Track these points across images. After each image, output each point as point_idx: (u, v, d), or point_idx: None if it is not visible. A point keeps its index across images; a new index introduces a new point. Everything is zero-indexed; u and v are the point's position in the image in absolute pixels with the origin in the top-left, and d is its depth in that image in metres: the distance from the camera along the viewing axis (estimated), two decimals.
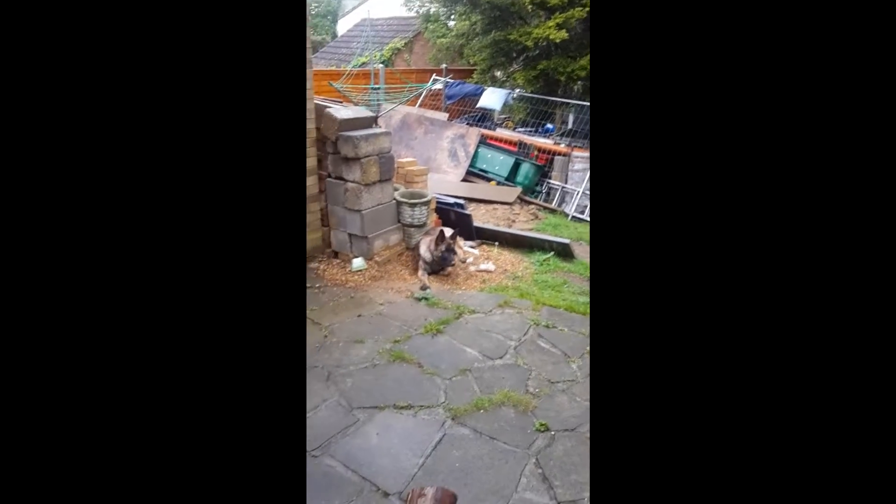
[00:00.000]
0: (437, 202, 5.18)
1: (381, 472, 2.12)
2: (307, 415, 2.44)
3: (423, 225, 4.67)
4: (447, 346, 3.18)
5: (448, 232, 4.17)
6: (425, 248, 4.25)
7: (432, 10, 12.12)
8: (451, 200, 5.36)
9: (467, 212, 5.35)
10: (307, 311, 3.46)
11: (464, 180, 7.74)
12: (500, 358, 3.06)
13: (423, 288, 4.06)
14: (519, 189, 7.38)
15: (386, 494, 2.00)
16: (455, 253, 4.18)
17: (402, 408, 2.55)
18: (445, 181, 7.45)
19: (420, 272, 4.29)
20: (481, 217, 6.56)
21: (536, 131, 8.45)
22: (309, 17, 3.35)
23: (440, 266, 4.17)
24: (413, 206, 4.53)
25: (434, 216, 5.12)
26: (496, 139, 8.07)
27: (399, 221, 4.61)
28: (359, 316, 3.53)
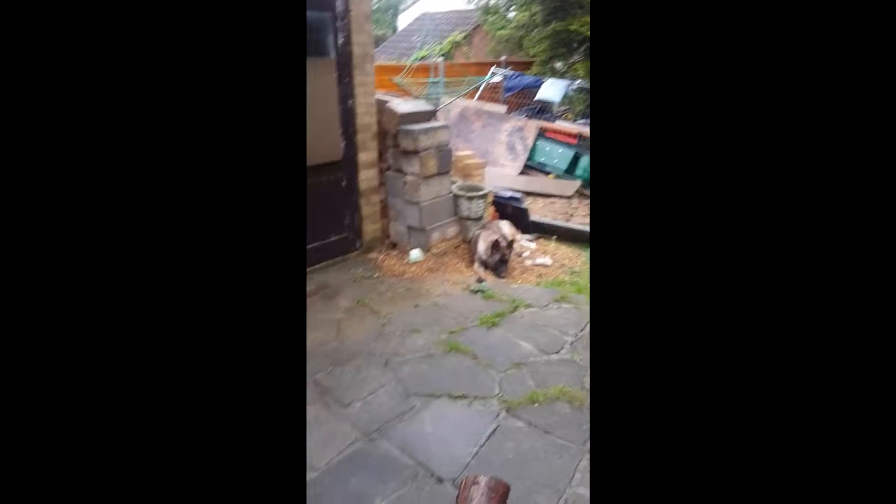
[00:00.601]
0: (494, 196, 5.19)
1: (436, 458, 2.14)
2: (365, 398, 2.49)
3: (480, 218, 4.68)
4: (502, 339, 3.17)
5: (503, 239, 4.18)
6: (482, 244, 4.25)
7: (492, 1, 11.99)
8: (508, 194, 5.34)
9: (524, 206, 5.35)
10: (366, 300, 3.55)
11: (521, 174, 7.69)
12: (556, 353, 3.04)
13: (479, 281, 4.08)
14: (578, 182, 7.26)
15: (440, 480, 2.03)
16: (506, 262, 4.20)
17: (456, 397, 2.57)
18: (503, 175, 7.43)
19: (476, 265, 4.32)
20: (539, 211, 6.51)
21: None
22: (370, 12, 3.49)
23: (493, 269, 4.20)
24: (470, 199, 4.57)
25: (491, 209, 5.12)
26: (555, 131, 7.95)
27: (456, 214, 4.64)
28: (415, 306, 3.58)
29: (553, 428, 2.38)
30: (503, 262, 4.11)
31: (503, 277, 4.06)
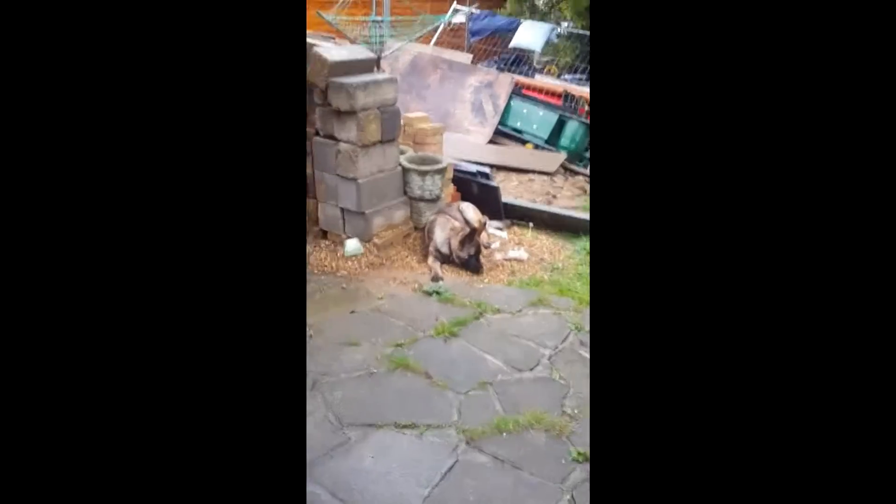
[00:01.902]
0: (456, 170, 5.22)
1: (376, 502, 2.18)
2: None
3: (437, 199, 4.73)
4: (463, 352, 3.27)
5: (474, 218, 4.31)
6: (440, 233, 4.38)
7: None
8: (474, 168, 5.40)
9: (494, 183, 5.38)
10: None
11: (491, 142, 7.74)
12: (531, 370, 3.13)
13: (435, 279, 4.18)
14: (563, 155, 7.37)
15: None
16: (479, 253, 4.31)
17: (404, 427, 2.64)
18: (467, 143, 7.45)
19: (431, 259, 4.40)
20: (512, 190, 6.56)
21: (588, 80, 8.27)
22: None
23: (464, 265, 4.32)
24: (424, 174, 4.59)
25: (451, 188, 5.13)
26: (535, 89, 8.06)
27: (406, 194, 4.68)
28: (352, 312, 3.66)
29: (524, 462, 2.45)
30: (477, 255, 4.26)
31: (480, 274, 4.24)
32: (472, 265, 4.33)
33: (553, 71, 9.69)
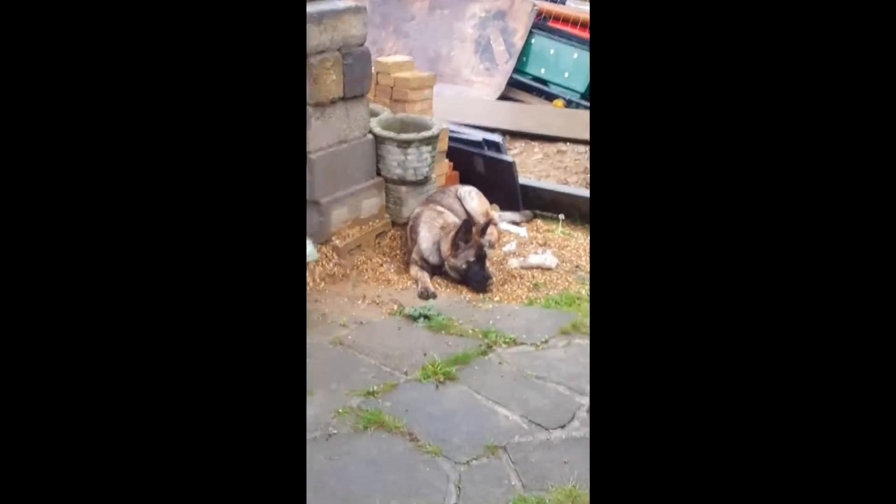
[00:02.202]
0: (452, 139, 5.27)
1: None
2: None
3: (425, 181, 4.79)
4: (464, 403, 3.30)
5: (477, 209, 4.46)
6: (426, 231, 4.45)
7: None
8: (479, 136, 5.42)
9: (507, 157, 5.37)
10: None
11: (503, 98, 7.74)
12: (562, 427, 3.17)
13: (424, 296, 4.25)
14: None
15: None
16: (483, 260, 4.36)
17: None
18: (468, 100, 7.44)
19: (416, 269, 4.47)
20: (533, 168, 6.56)
21: None
22: None
23: (463, 278, 4.40)
24: (406, 146, 4.63)
25: (445, 165, 5.20)
26: (566, 20, 8.07)
27: (380, 174, 4.74)
28: None
29: None
30: (479, 261, 4.30)
31: (486, 291, 4.32)
32: (473, 277, 4.40)
33: None
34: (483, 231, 4.62)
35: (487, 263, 4.53)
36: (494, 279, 4.50)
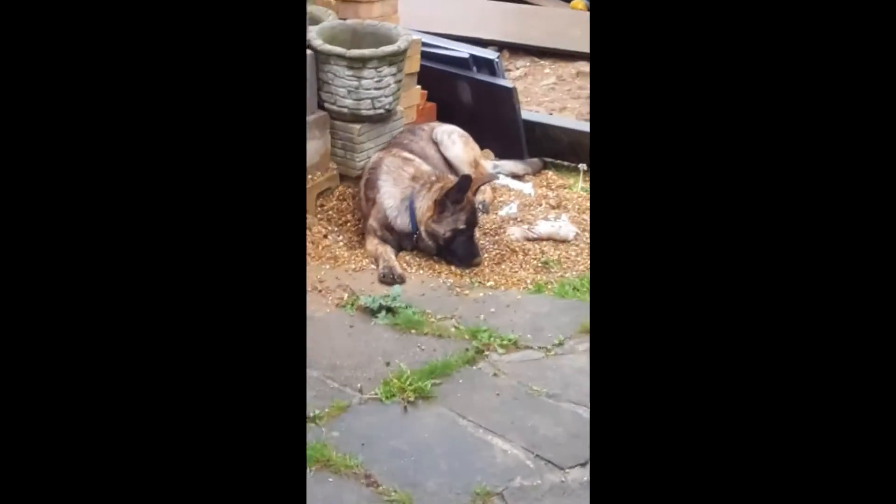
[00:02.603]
0: (427, 55, 4.94)
1: None
2: None
3: (387, 116, 4.51)
4: (443, 431, 3.00)
5: (462, 157, 4.32)
6: (393, 189, 4.17)
7: None
8: (465, 51, 5.06)
9: (506, 82, 5.00)
10: None
11: None
12: (582, 465, 2.81)
13: (388, 278, 3.91)
14: None
15: None
16: (473, 228, 4.09)
17: None
18: (448, 0, 6.86)
19: (375, 241, 4.13)
20: (543, 98, 6.08)
21: None
22: None
23: (445, 255, 4.12)
24: (360, 65, 4.30)
25: (417, 93, 4.95)
26: None
27: (322, 106, 4.48)
28: None
29: None
30: (469, 229, 4.03)
31: (475, 267, 4.04)
32: (460, 251, 4.04)
33: None
34: (479, 188, 4.30)
35: (476, 233, 4.20)
36: (485, 256, 4.11)
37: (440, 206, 3.97)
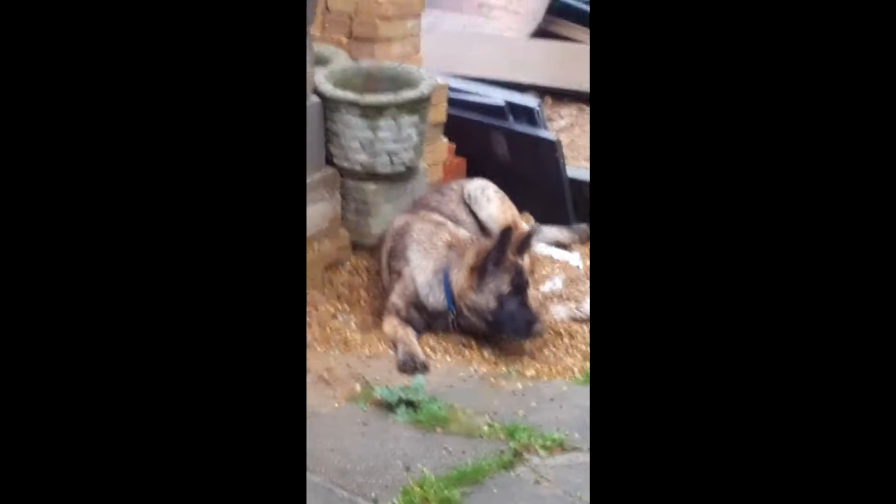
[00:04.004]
0: (455, 102, 4.77)
1: None
2: None
3: (408, 173, 4.29)
4: None
5: (498, 217, 4.10)
6: (424, 262, 3.87)
7: None
8: (499, 97, 4.89)
9: (548, 133, 4.83)
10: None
11: (539, 33, 6.96)
12: None
13: (409, 366, 3.60)
14: None
15: None
16: (525, 301, 3.73)
17: None
18: (480, 37, 6.75)
19: (393, 323, 3.81)
20: (588, 152, 5.78)
21: None
22: None
23: (492, 327, 3.78)
24: (376, 114, 4.09)
25: (444, 146, 4.75)
26: None
27: (331, 162, 4.25)
28: None
29: None
30: (517, 293, 3.67)
31: (535, 335, 3.73)
32: (512, 321, 3.69)
33: None
34: (522, 246, 3.84)
35: (529, 302, 3.85)
36: (542, 326, 3.77)
37: (479, 272, 3.64)
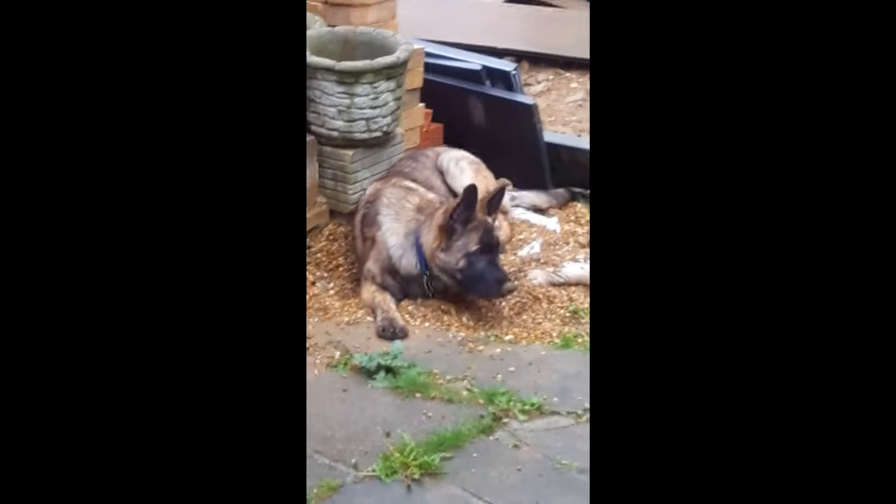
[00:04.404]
0: (432, 67, 4.81)
1: None
2: None
3: (385, 139, 4.35)
4: None
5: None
6: (396, 225, 3.96)
7: None
8: (476, 62, 4.90)
9: (525, 98, 4.87)
10: None
11: None
12: None
13: (388, 332, 3.69)
14: None
15: None
16: (497, 242, 3.86)
17: None
18: (454, 0, 6.79)
19: (371, 289, 3.90)
20: (570, 116, 5.84)
21: None
22: None
23: (462, 286, 3.86)
24: (352, 79, 4.15)
25: (420, 112, 4.79)
26: None
27: (308, 128, 4.27)
28: None
29: None
30: (487, 251, 3.72)
31: (505, 293, 3.81)
32: (482, 280, 3.74)
33: None
34: (491, 204, 3.83)
35: (499, 260, 3.91)
36: (504, 305, 3.83)
37: (447, 231, 3.67)
